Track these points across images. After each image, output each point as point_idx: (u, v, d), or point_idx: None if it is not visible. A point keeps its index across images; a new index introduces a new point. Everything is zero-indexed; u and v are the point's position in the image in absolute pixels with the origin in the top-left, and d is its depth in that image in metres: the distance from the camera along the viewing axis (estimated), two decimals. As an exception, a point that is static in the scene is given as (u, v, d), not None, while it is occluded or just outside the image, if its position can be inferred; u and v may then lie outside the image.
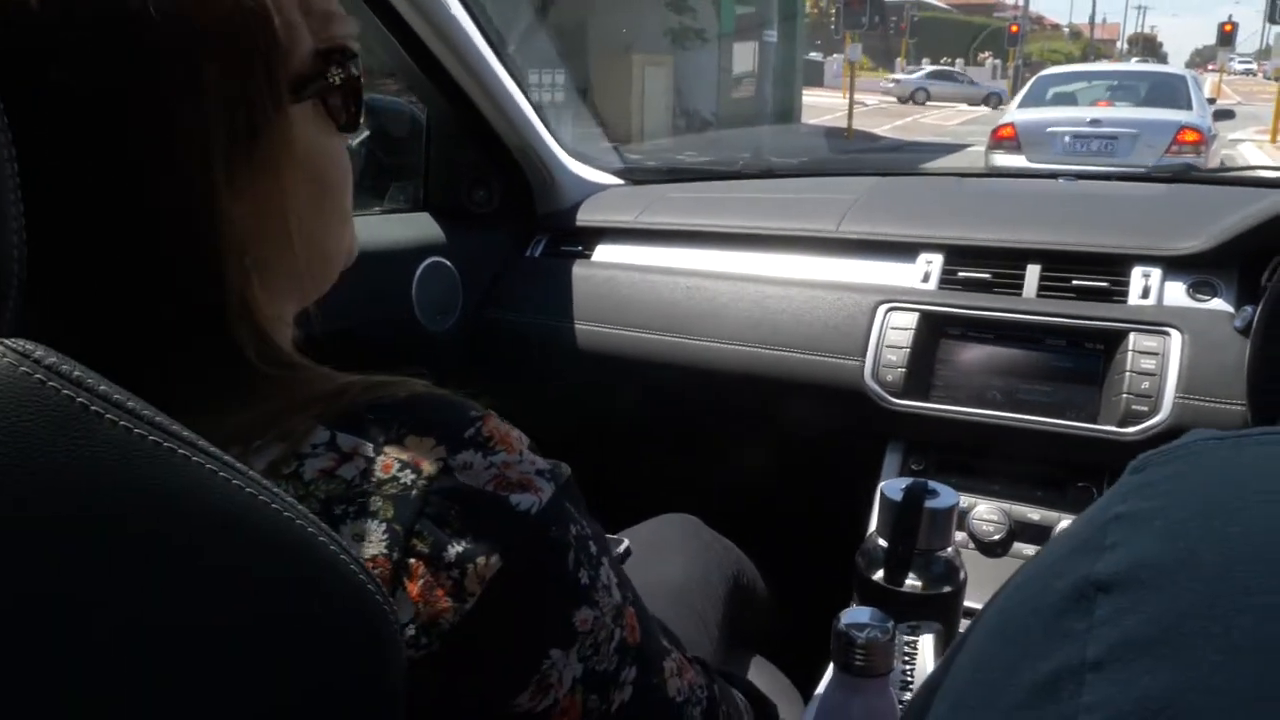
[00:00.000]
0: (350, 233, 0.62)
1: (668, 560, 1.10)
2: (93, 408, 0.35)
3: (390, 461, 0.46)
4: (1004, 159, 8.01)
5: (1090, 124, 8.00)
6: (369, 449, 0.46)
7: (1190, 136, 7.71)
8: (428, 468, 0.46)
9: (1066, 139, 7.94)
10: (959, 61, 30.23)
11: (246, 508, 0.38)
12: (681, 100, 14.52)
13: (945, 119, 20.13)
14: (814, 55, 27.82)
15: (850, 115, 16.53)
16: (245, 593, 0.38)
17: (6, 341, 0.35)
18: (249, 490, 0.38)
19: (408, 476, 0.45)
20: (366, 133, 1.55)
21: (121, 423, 0.35)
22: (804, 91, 23.05)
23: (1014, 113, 9.06)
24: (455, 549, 0.45)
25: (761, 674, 1.10)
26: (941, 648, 0.78)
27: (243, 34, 0.48)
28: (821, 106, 19.51)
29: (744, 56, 16.01)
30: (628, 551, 1.00)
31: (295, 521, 0.39)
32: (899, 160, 12.62)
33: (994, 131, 8.68)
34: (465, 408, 0.50)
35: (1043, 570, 0.34)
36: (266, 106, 0.50)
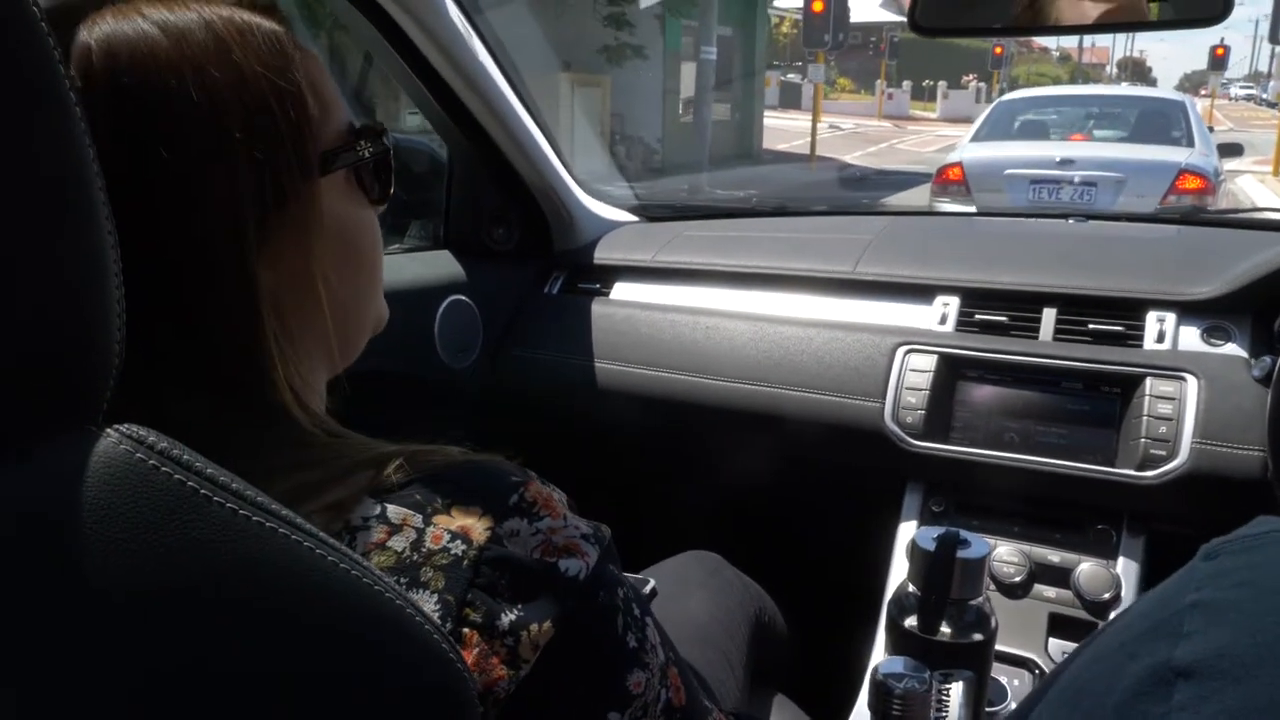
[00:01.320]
0: (381, 301, 0.64)
1: (691, 597, 1.11)
2: (202, 491, 0.37)
3: (440, 533, 0.47)
4: (950, 208, 6.14)
5: (1060, 164, 6.34)
6: (418, 520, 0.47)
7: (1192, 183, 5.95)
8: (476, 537, 0.47)
9: (1029, 184, 6.34)
10: (941, 84, 30.10)
11: (344, 583, 0.39)
12: (621, 125, 13.03)
13: (923, 144, 19.28)
14: (793, 77, 27.66)
15: (813, 141, 15.60)
16: (344, 661, 0.39)
17: (122, 428, 0.37)
18: (343, 566, 0.39)
19: (458, 547, 0.46)
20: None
21: (228, 505, 0.37)
22: (784, 114, 22.04)
23: (965, 148, 7.28)
24: (508, 617, 0.46)
25: (784, 713, 1.10)
26: (972, 696, 0.79)
27: (274, 110, 0.51)
28: (794, 130, 18.53)
29: (693, 77, 13.73)
30: (653, 592, 1.01)
31: (385, 594, 0.40)
32: (855, 195, 11.86)
33: (939, 172, 6.97)
34: (506, 474, 0.51)
35: (1116, 649, 0.35)
36: (295, 177, 0.52)
